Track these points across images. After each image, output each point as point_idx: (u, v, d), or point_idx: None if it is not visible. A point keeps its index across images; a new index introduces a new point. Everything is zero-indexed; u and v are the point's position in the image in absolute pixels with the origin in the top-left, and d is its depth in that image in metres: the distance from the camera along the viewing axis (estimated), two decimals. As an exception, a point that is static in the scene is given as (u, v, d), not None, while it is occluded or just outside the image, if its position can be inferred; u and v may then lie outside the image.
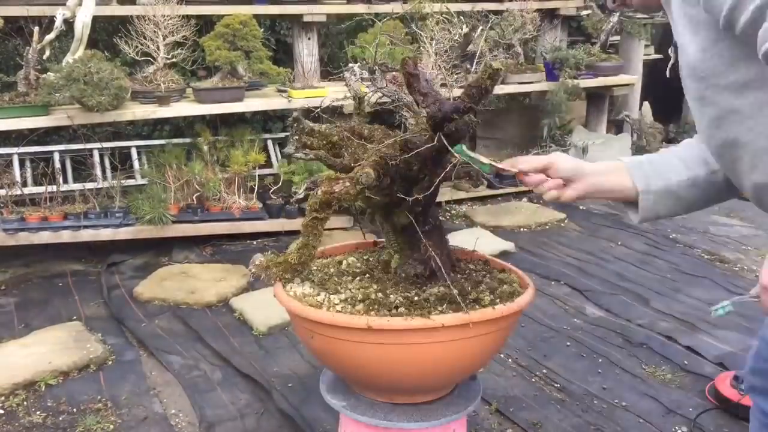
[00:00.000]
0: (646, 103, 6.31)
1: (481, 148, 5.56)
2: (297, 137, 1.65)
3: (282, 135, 5.11)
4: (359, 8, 5.01)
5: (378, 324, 1.42)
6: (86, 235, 3.93)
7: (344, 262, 1.80)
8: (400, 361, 1.49)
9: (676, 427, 2.53)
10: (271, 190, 4.53)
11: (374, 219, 1.75)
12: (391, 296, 1.53)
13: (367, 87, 4.41)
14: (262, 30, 4.41)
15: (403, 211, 1.58)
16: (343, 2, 4.97)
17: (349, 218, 4.53)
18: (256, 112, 5.12)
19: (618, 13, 5.62)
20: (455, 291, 1.50)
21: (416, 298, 1.52)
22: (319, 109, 1.76)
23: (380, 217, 1.67)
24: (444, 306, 1.49)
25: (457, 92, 1.57)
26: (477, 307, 1.50)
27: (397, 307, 1.50)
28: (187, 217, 4.19)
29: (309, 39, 4.83)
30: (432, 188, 1.49)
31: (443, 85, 1.81)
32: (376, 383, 1.63)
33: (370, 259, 1.80)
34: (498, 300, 1.54)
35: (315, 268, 1.77)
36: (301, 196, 4.39)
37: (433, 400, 1.64)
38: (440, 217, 1.73)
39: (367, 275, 1.68)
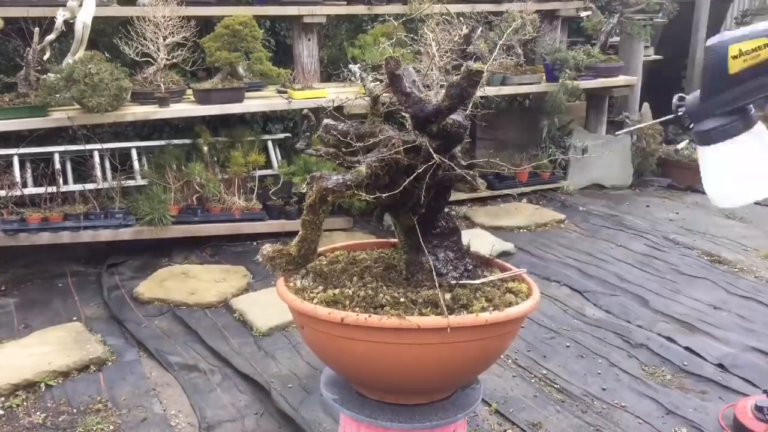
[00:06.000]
0: (645, 104, 6.31)
1: (480, 149, 5.57)
2: (308, 134, 1.65)
3: (281, 136, 5.12)
4: (359, 9, 5.01)
5: (353, 320, 1.43)
6: (86, 236, 3.94)
7: (356, 259, 1.81)
8: (378, 358, 1.49)
9: (676, 428, 2.54)
10: (271, 191, 4.53)
11: (381, 219, 1.75)
12: (380, 295, 1.54)
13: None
14: (262, 31, 4.41)
15: (407, 212, 1.58)
16: (343, 3, 4.97)
17: (349, 219, 4.53)
18: (255, 113, 5.12)
19: (617, 14, 5.63)
20: (440, 294, 1.48)
21: (402, 299, 1.52)
22: (329, 109, 1.75)
23: (392, 217, 1.67)
24: (429, 309, 1.49)
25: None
26: (464, 312, 1.49)
27: (382, 306, 1.50)
28: (187, 217, 4.20)
29: (309, 40, 4.83)
30: (417, 192, 1.48)
31: (442, 86, 1.81)
32: (361, 379, 1.64)
33: (384, 258, 1.81)
34: (492, 308, 1.51)
35: (325, 261, 1.78)
36: (300, 195, 4.40)
37: (427, 403, 1.64)
38: (453, 221, 1.70)
39: (369, 274, 1.68)
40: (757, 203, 5.31)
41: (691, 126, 1.23)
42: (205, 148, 4.52)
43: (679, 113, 1.24)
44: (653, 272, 3.97)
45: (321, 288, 1.61)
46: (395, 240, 1.82)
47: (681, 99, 1.26)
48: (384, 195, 1.47)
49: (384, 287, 1.59)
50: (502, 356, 3.00)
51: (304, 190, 1.53)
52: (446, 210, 1.69)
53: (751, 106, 1.18)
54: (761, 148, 1.15)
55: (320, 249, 1.81)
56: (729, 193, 1.22)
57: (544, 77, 5.32)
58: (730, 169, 1.19)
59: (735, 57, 1.11)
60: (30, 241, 3.85)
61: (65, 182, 4.24)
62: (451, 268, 1.63)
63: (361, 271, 1.70)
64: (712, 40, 1.15)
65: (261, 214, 4.37)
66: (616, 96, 5.86)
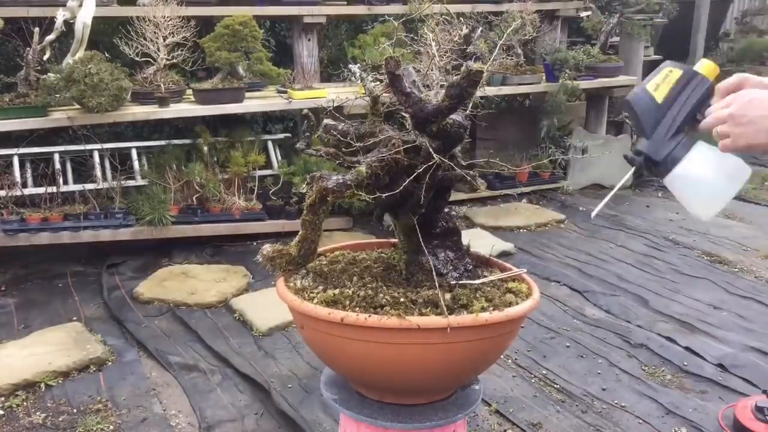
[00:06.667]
0: (645, 104, 6.30)
1: (480, 149, 5.57)
2: (308, 134, 1.65)
3: (281, 136, 5.12)
4: (359, 10, 5.01)
5: (353, 320, 1.43)
6: (86, 236, 3.94)
7: (356, 259, 1.81)
8: (378, 358, 1.49)
9: (676, 428, 2.54)
10: (271, 191, 4.53)
11: (381, 219, 1.75)
12: (380, 295, 1.54)
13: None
14: (262, 31, 4.41)
15: (407, 212, 1.58)
16: (343, 3, 4.97)
17: (349, 219, 4.53)
18: (255, 113, 5.12)
19: (617, 14, 5.63)
20: (440, 293, 1.48)
21: (402, 299, 1.52)
22: (329, 109, 1.75)
23: (392, 217, 1.67)
24: (429, 309, 1.49)
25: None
26: (464, 312, 1.49)
27: (382, 306, 1.50)
28: (187, 218, 4.20)
29: (309, 40, 4.83)
30: (418, 191, 1.48)
31: (442, 86, 1.81)
32: (362, 379, 1.64)
33: (384, 258, 1.80)
34: (491, 308, 1.51)
35: (325, 261, 1.78)
36: (300, 195, 4.40)
37: (427, 402, 1.64)
38: (454, 221, 1.71)
39: (369, 274, 1.68)
40: (757, 203, 5.32)
41: (654, 165, 1.35)
42: (205, 148, 4.52)
43: (637, 159, 1.36)
44: (653, 272, 3.97)
45: (321, 288, 1.60)
46: (395, 240, 1.81)
47: (636, 152, 1.37)
48: (384, 195, 1.47)
49: (384, 287, 1.59)
50: (502, 356, 3.00)
51: (304, 190, 1.52)
52: (446, 210, 1.69)
53: (687, 127, 1.33)
54: (705, 161, 1.30)
55: (320, 249, 1.81)
56: (708, 201, 1.34)
57: (544, 77, 5.32)
58: (693, 187, 1.33)
59: (655, 89, 1.31)
60: (30, 241, 3.85)
61: (65, 182, 4.24)
62: (451, 268, 1.63)
63: (361, 271, 1.70)
64: (632, 94, 1.34)
65: (261, 214, 4.37)
66: (616, 96, 5.87)
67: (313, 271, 1.70)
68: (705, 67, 1.33)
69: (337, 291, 1.57)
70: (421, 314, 1.46)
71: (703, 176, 1.31)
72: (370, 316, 1.44)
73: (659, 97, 1.31)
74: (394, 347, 1.46)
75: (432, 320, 1.43)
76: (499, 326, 1.50)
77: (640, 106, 1.33)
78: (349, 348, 1.50)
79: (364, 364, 1.53)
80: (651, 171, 1.36)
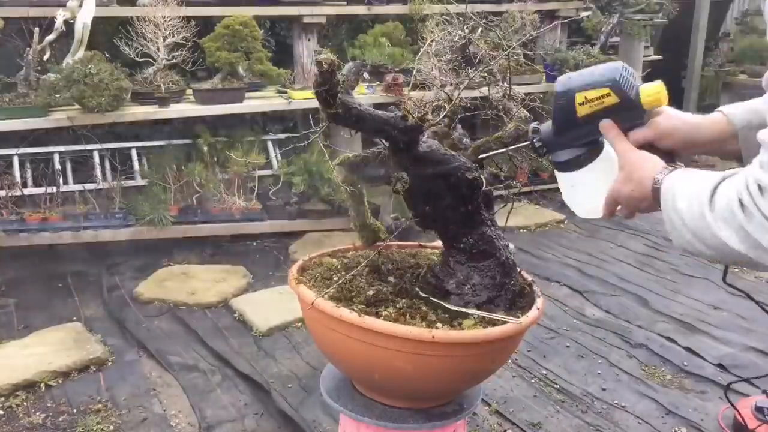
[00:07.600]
0: (645, 104, 6.30)
1: (480, 149, 5.57)
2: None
3: (282, 136, 5.12)
4: (359, 10, 5.01)
5: (347, 317, 1.44)
6: (86, 236, 3.94)
7: (364, 258, 1.81)
8: (374, 360, 1.50)
9: (676, 428, 2.54)
10: (271, 191, 4.53)
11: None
12: (383, 297, 1.55)
13: (367, 88, 4.39)
14: (262, 31, 4.41)
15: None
16: (343, 3, 4.97)
17: (349, 219, 4.53)
18: (255, 113, 5.11)
19: (617, 14, 5.63)
20: (436, 302, 1.50)
21: (401, 305, 1.52)
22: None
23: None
24: (424, 323, 1.49)
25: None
26: (458, 327, 1.49)
27: (385, 307, 1.51)
28: (187, 218, 4.20)
29: (309, 40, 4.83)
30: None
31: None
32: (358, 377, 1.66)
33: (396, 260, 1.82)
34: (483, 325, 1.49)
35: (346, 260, 1.80)
36: (300, 195, 4.40)
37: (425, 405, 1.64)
38: (493, 245, 1.66)
39: (376, 276, 1.69)
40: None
41: (547, 154, 1.36)
42: (205, 148, 4.52)
43: (536, 144, 1.35)
44: (653, 272, 3.97)
45: (329, 286, 1.61)
46: (418, 243, 1.84)
47: (536, 130, 1.35)
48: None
49: (389, 290, 1.60)
50: (502, 356, 3.00)
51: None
52: (487, 232, 1.64)
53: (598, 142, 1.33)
54: (606, 169, 1.31)
55: (328, 250, 1.84)
56: (587, 208, 1.37)
57: (544, 78, 5.32)
58: (585, 191, 1.36)
59: (582, 104, 1.24)
60: (30, 241, 3.85)
61: (65, 182, 4.24)
62: (468, 290, 1.59)
63: (368, 272, 1.71)
64: (559, 86, 1.27)
65: (261, 214, 4.37)
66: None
67: (321, 270, 1.72)
68: (648, 92, 1.26)
69: (344, 289, 1.58)
70: (427, 322, 1.47)
71: (595, 186, 1.32)
72: (367, 316, 1.45)
73: (581, 112, 1.25)
74: (389, 352, 1.47)
75: (421, 332, 1.43)
76: (489, 344, 1.50)
77: (559, 106, 1.28)
78: (347, 345, 1.51)
79: (360, 362, 1.55)
80: (538, 154, 1.36)
